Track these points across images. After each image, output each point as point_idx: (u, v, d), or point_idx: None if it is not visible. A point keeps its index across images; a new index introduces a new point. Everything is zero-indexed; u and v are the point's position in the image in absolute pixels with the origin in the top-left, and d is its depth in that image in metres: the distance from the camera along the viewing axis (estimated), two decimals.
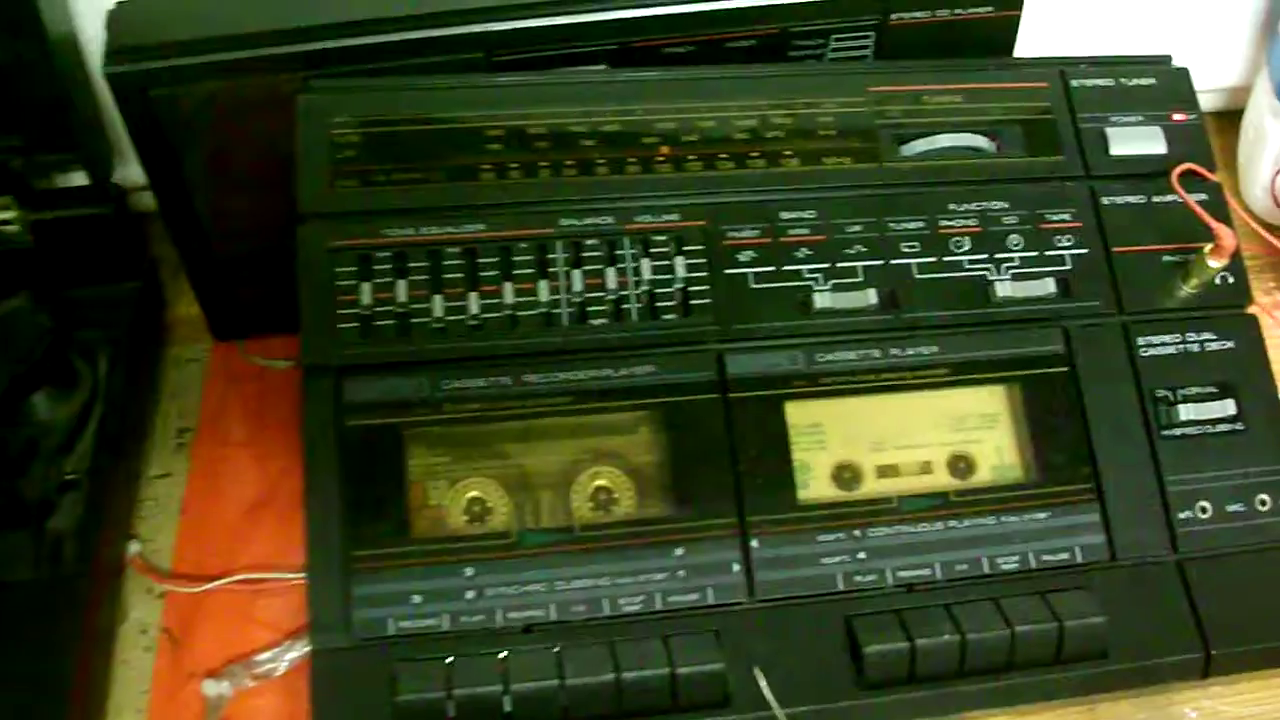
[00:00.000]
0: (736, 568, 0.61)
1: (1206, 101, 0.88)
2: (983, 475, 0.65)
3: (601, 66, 0.69)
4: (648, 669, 0.59)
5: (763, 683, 0.59)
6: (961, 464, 0.65)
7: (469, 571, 0.60)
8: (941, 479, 0.65)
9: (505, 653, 0.60)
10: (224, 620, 0.68)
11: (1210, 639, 0.63)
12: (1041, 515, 0.64)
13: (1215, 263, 0.67)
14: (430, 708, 0.58)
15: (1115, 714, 0.66)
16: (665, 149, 0.67)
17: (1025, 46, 0.75)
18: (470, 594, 0.60)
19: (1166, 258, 0.69)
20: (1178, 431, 0.66)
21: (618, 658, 0.59)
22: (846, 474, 0.64)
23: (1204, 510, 0.65)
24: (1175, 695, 0.67)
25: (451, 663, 0.59)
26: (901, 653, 0.59)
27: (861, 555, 0.62)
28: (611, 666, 0.59)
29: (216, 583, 0.69)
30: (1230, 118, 0.90)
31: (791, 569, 0.62)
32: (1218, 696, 0.67)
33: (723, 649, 0.59)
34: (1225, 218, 0.70)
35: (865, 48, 0.70)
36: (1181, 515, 0.65)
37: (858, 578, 0.62)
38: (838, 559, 0.62)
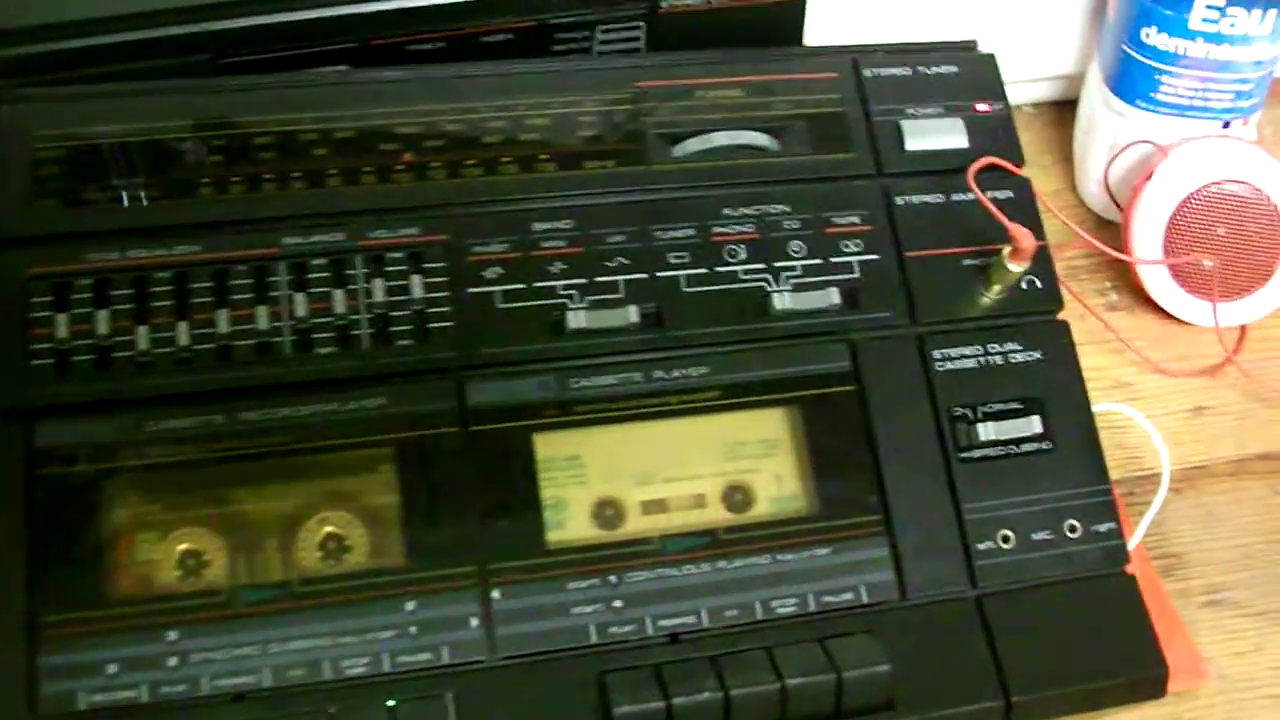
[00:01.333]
0: (475, 622, 0.54)
1: (1042, 91, 0.82)
2: (761, 508, 0.58)
3: (342, 67, 0.61)
4: None
5: None
6: (738, 496, 0.58)
7: (172, 635, 0.54)
8: (715, 513, 0.58)
9: None
10: None
11: (1011, 685, 0.57)
12: (823, 551, 0.57)
13: (1015, 266, 0.60)
14: None
15: None
16: (406, 156, 0.60)
17: (835, 34, 0.68)
18: (173, 660, 0.54)
19: (967, 261, 0.63)
20: (977, 453, 0.59)
21: None
22: (608, 511, 0.57)
23: (1006, 540, 0.58)
24: None
25: None
26: (656, 713, 0.51)
27: (618, 603, 0.55)
28: None
29: None
30: (1068, 108, 0.83)
31: (538, 621, 0.55)
32: None
33: (459, 714, 0.51)
34: (1033, 216, 0.63)
35: (636, 40, 0.63)
36: (981, 546, 0.58)
37: (613, 629, 0.55)
38: (591, 608, 0.55)
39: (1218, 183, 0.73)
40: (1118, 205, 0.78)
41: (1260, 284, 0.75)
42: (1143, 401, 0.73)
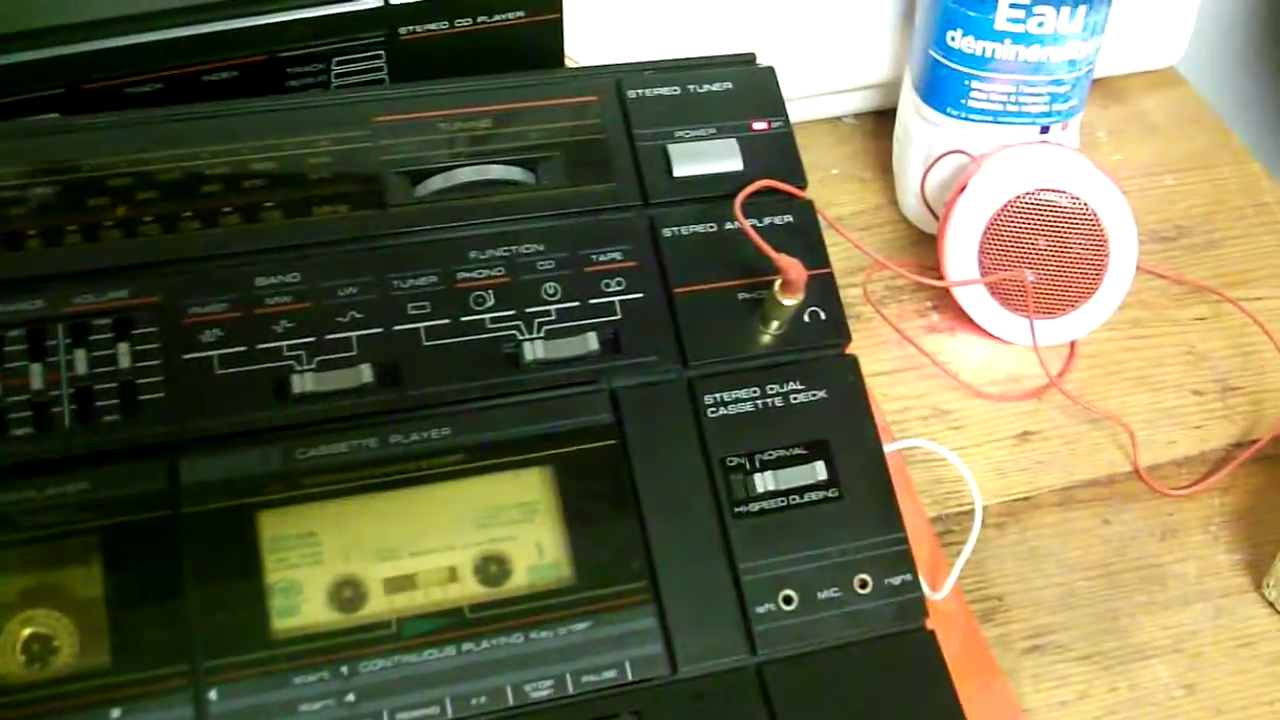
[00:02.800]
0: None
1: (862, 101, 0.77)
2: (520, 579, 0.53)
3: (53, 116, 0.55)
4: None
5: None
6: (493, 567, 0.53)
7: None
8: (469, 588, 0.53)
9: None
10: None
11: None
12: (582, 625, 0.51)
13: (788, 300, 0.54)
14: None
15: None
16: (118, 210, 0.52)
17: (620, 52, 0.62)
18: None
19: (743, 296, 0.57)
20: (755, 506, 0.54)
21: None
22: (347, 592, 0.51)
23: (789, 601, 0.53)
24: None
25: None
26: None
27: (350, 697, 0.49)
28: None
29: None
30: (889, 118, 0.77)
31: None
32: None
33: None
34: (816, 241, 0.57)
35: (379, 70, 0.56)
36: (760, 609, 0.53)
37: None
38: (319, 704, 0.49)
39: (1034, 192, 0.68)
40: (936, 218, 0.72)
41: (1085, 298, 0.69)
42: (965, 430, 0.68)
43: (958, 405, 0.69)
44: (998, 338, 0.71)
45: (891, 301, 0.72)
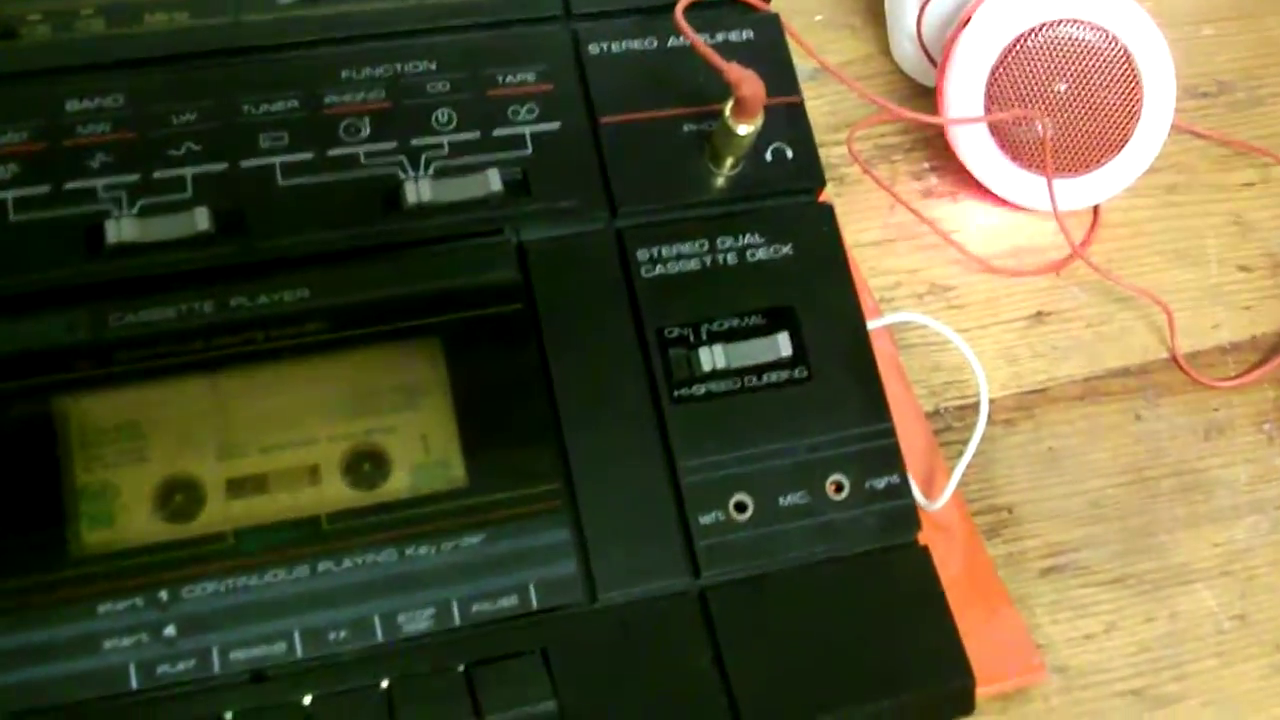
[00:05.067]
0: None
1: None
2: (400, 483, 0.39)
3: None
4: None
5: None
6: (367, 465, 0.41)
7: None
8: (334, 492, 0.39)
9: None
10: None
11: (744, 714, 0.37)
12: (473, 540, 0.39)
13: (743, 127, 0.42)
14: None
15: None
16: None
17: None
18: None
19: (688, 127, 0.43)
20: (700, 389, 0.41)
21: None
22: (179, 497, 0.39)
23: (741, 508, 0.42)
24: None
25: None
26: None
27: (170, 630, 0.36)
28: None
29: None
30: None
31: (51, 663, 0.37)
32: None
33: None
34: (782, 62, 0.45)
35: None
36: (705, 519, 0.41)
37: (164, 667, 0.38)
38: (130, 640, 0.37)
39: (1052, 24, 0.54)
40: (934, 65, 0.58)
41: (1112, 154, 0.56)
42: (968, 310, 0.55)
43: (960, 280, 0.57)
44: (1008, 202, 0.58)
45: (882, 162, 0.60)
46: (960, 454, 0.51)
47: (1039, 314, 0.58)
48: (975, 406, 0.52)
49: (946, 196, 0.60)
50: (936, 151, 0.61)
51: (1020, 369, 0.56)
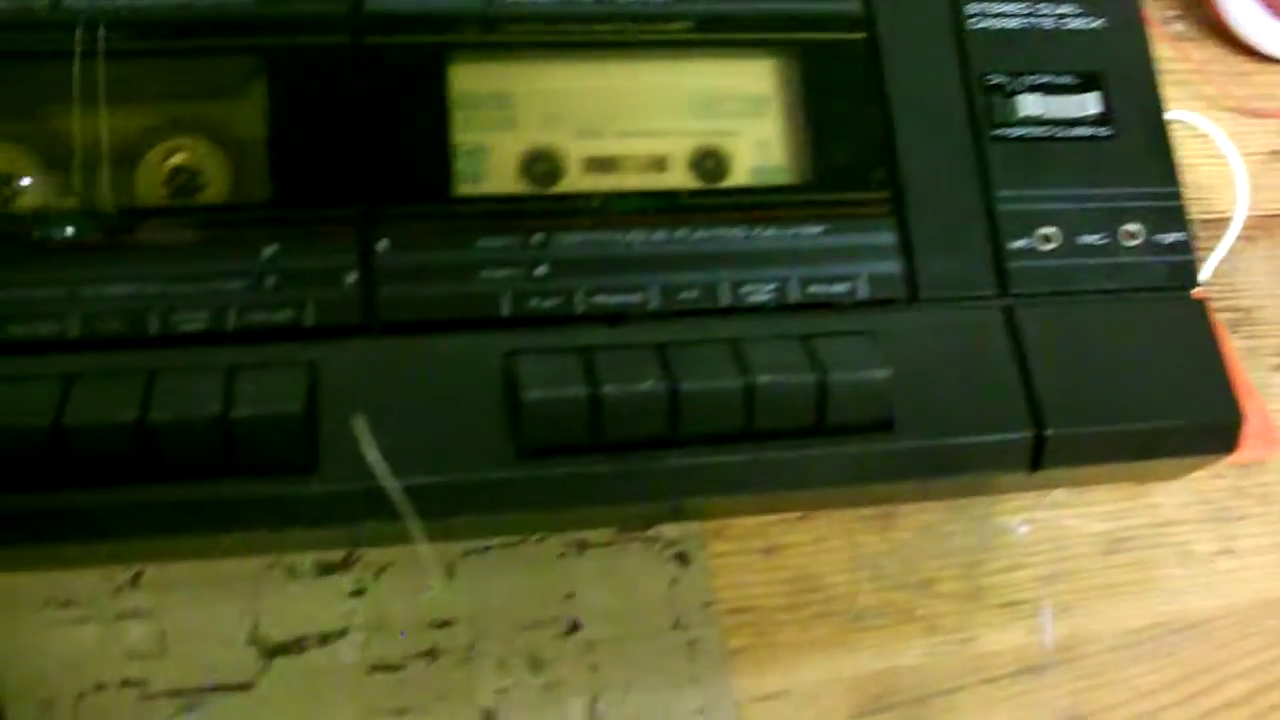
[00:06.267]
0: (351, 277, 0.39)
1: None
2: (738, 180, 0.42)
3: None
4: (190, 412, 0.40)
5: (364, 437, 0.36)
6: (710, 163, 0.44)
7: None
8: (679, 180, 0.42)
9: None
10: None
11: (1046, 415, 0.42)
12: (813, 230, 0.42)
13: None
14: None
15: (918, 525, 0.43)
16: None
17: None
18: None
19: None
20: (1015, 132, 0.45)
21: (152, 393, 0.40)
22: (541, 166, 0.43)
23: (1047, 240, 0.44)
24: (1001, 504, 0.44)
25: None
26: (577, 404, 0.37)
27: (542, 270, 0.40)
28: (133, 406, 0.40)
29: None
30: None
31: (433, 283, 0.40)
32: (1062, 506, 0.45)
33: (316, 385, 0.36)
34: None
35: None
36: (1015, 244, 0.44)
37: (533, 301, 0.40)
38: (504, 273, 0.40)
39: None
40: None
41: None
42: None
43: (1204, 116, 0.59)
44: (1255, 50, 0.60)
45: None
46: (1205, 257, 0.54)
47: (1275, 152, 0.61)
48: (1220, 221, 0.55)
49: (1192, 41, 0.63)
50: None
51: (1261, 196, 0.59)
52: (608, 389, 0.40)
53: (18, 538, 0.39)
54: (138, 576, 0.44)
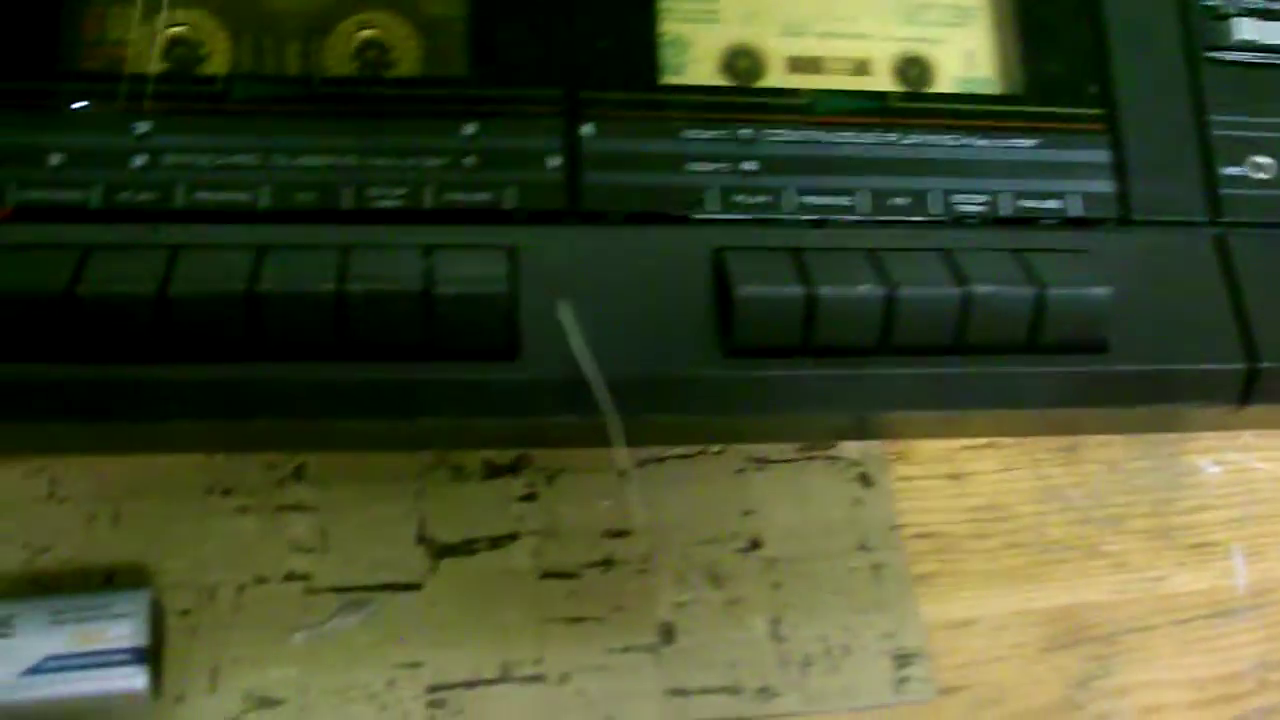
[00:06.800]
0: (555, 161, 0.37)
1: None
2: (943, 89, 0.40)
3: None
4: (390, 286, 0.38)
5: (570, 324, 0.34)
6: (914, 70, 0.43)
7: (142, 127, 0.35)
8: (882, 85, 0.39)
9: (175, 247, 0.38)
10: None
11: (1259, 347, 0.38)
12: (1026, 143, 0.40)
13: None
14: (38, 305, 0.37)
15: (1104, 459, 0.41)
16: None
17: None
18: (140, 160, 0.36)
19: None
20: (1231, 55, 0.42)
21: (348, 266, 0.38)
22: (743, 62, 0.41)
23: (1259, 168, 0.41)
24: (1189, 442, 0.42)
25: (89, 251, 0.36)
26: (793, 303, 0.34)
27: (750, 165, 0.37)
28: (329, 278, 0.38)
29: None
30: None
31: (639, 172, 0.37)
32: (1251, 449, 0.42)
33: (511, 269, 0.34)
34: None
35: None
36: (1228, 171, 0.42)
37: (740, 197, 0.38)
38: (712, 167, 0.38)
39: None
40: None
41: None
42: None
43: None
44: None
45: None
46: None
47: None
48: None
49: None
50: None
51: None
52: (824, 290, 0.37)
53: (209, 410, 0.36)
54: (300, 469, 0.42)
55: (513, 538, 0.41)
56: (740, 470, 0.42)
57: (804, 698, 0.40)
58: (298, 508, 0.41)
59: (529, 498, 0.42)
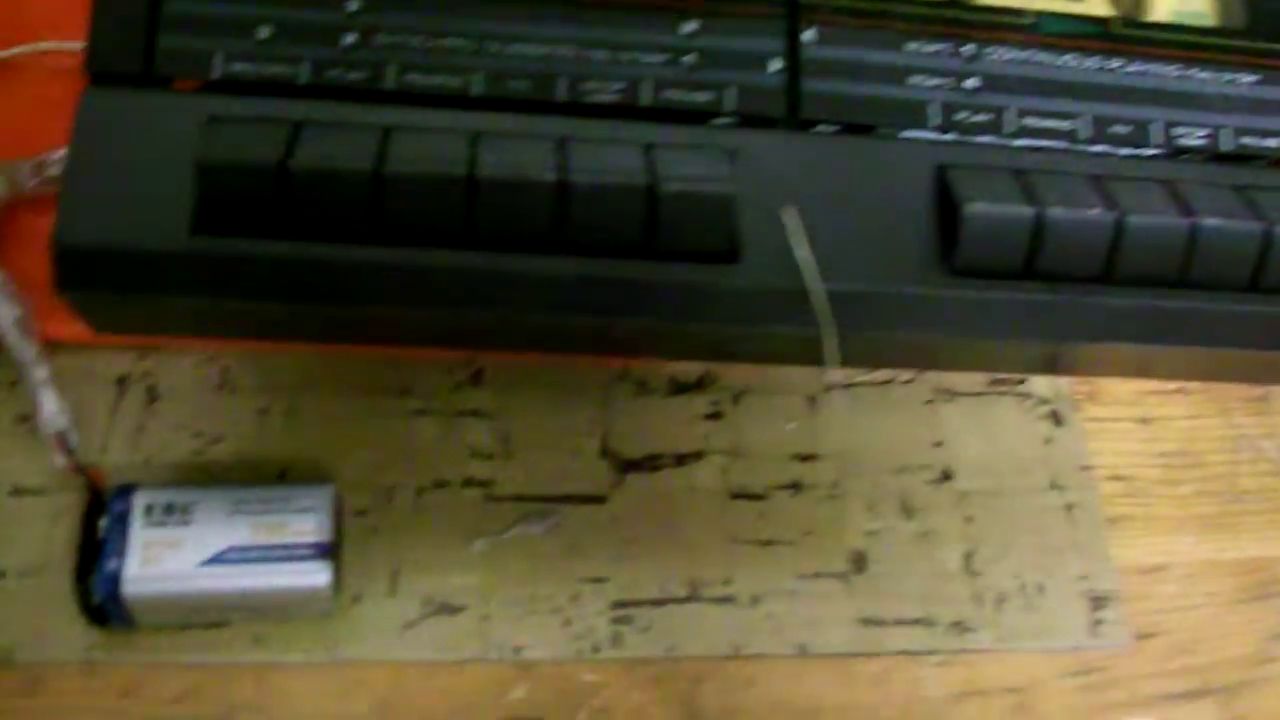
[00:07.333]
0: (775, 65, 0.36)
1: None
2: (1159, 16, 0.38)
3: None
4: (614, 178, 0.35)
5: (795, 230, 0.32)
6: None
7: (354, 4, 0.34)
8: (1097, 8, 0.38)
9: (388, 128, 0.36)
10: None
11: None
12: (1249, 79, 0.38)
13: None
14: (249, 177, 0.34)
15: None
16: None
17: None
18: (350, 38, 0.34)
19: None
20: None
21: (567, 156, 0.36)
22: None
23: None
24: None
25: (300, 127, 0.33)
26: (1021, 223, 0.33)
27: (972, 83, 0.36)
28: (548, 166, 0.35)
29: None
30: None
31: (859, 83, 0.36)
32: None
33: (736, 176, 0.32)
34: None
35: None
36: None
37: (962, 115, 0.36)
38: (934, 82, 0.36)
39: None
40: None
41: None
42: None
43: None
44: None
45: None
46: None
47: None
48: None
49: None
50: None
51: None
52: (1054, 211, 0.36)
53: (418, 299, 0.35)
54: (478, 374, 0.40)
55: (698, 456, 0.39)
56: (929, 401, 0.41)
57: (998, 635, 0.38)
58: (476, 413, 0.39)
59: (714, 416, 0.40)
